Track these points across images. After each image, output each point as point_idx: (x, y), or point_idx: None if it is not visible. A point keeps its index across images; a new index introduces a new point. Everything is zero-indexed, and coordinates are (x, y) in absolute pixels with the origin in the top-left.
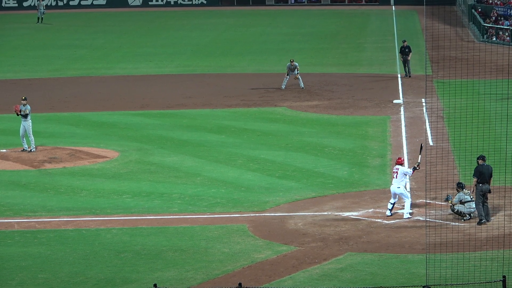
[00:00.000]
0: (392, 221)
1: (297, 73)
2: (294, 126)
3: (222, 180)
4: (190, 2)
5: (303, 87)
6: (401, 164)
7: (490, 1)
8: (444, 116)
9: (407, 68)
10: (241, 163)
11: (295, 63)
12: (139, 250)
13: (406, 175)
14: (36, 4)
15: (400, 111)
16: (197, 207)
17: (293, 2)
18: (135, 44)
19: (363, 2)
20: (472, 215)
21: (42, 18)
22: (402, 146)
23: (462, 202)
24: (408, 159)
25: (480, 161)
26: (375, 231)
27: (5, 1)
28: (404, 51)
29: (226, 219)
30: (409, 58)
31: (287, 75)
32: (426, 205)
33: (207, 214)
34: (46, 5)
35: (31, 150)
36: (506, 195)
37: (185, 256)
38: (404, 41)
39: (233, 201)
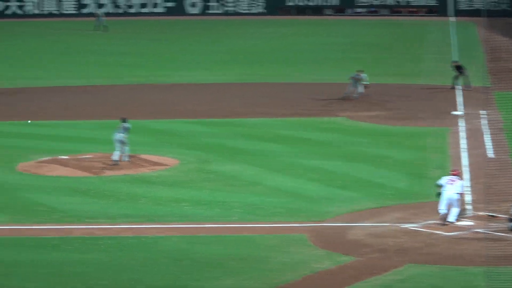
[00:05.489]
0: (452, 233)
1: (365, 81)
2: (353, 136)
3: (282, 190)
4: (249, 11)
5: (356, 97)
6: (457, 175)
7: None
8: (504, 129)
9: (467, 80)
10: (301, 173)
11: (362, 74)
12: (198, 258)
13: (461, 188)
14: (94, 12)
15: (459, 122)
16: (257, 216)
17: (351, 12)
18: (193, 52)
19: (422, 13)
20: None
21: (102, 26)
22: (461, 158)
23: None
24: (469, 171)
25: None
26: (435, 242)
27: (65, 8)
28: (458, 69)
29: (285, 228)
30: (466, 73)
31: (353, 85)
32: (486, 217)
33: (266, 223)
34: (106, 13)
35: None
36: None
37: (244, 265)
38: (455, 62)
39: (292, 210)
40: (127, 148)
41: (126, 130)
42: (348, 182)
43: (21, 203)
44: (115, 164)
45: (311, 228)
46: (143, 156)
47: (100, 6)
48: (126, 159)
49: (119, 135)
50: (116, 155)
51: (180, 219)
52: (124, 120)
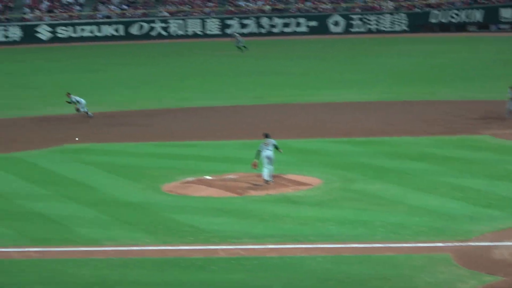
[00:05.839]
0: None
1: None
2: (499, 154)
3: (425, 209)
4: (391, 29)
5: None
6: None
7: None
8: None
9: None
10: (445, 192)
11: None
12: (343, 278)
13: None
14: (231, 33)
15: None
16: (400, 236)
17: (495, 28)
18: (336, 70)
19: None
20: None
21: (243, 47)
22: None
23: None
24: None
25: None
26: None
27: (209, 28)
28: None
29: (429, 248)
30: None
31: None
32: None
33: (410, 243)
34: (249, 33)
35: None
36: None
37: (390, 285)
38: None
39: (436, 230)
40: (272, 167)
41: (274, 146)
42: (492, 201)
43: (166, 223)
44: (266, 184)
45: (456, 248)
46: (287, 176)
47: (244, 26)
48: (270, 179)
49: (268, 152)
50: (266, 174)
51: (325, 238)
52: (267, 136)
